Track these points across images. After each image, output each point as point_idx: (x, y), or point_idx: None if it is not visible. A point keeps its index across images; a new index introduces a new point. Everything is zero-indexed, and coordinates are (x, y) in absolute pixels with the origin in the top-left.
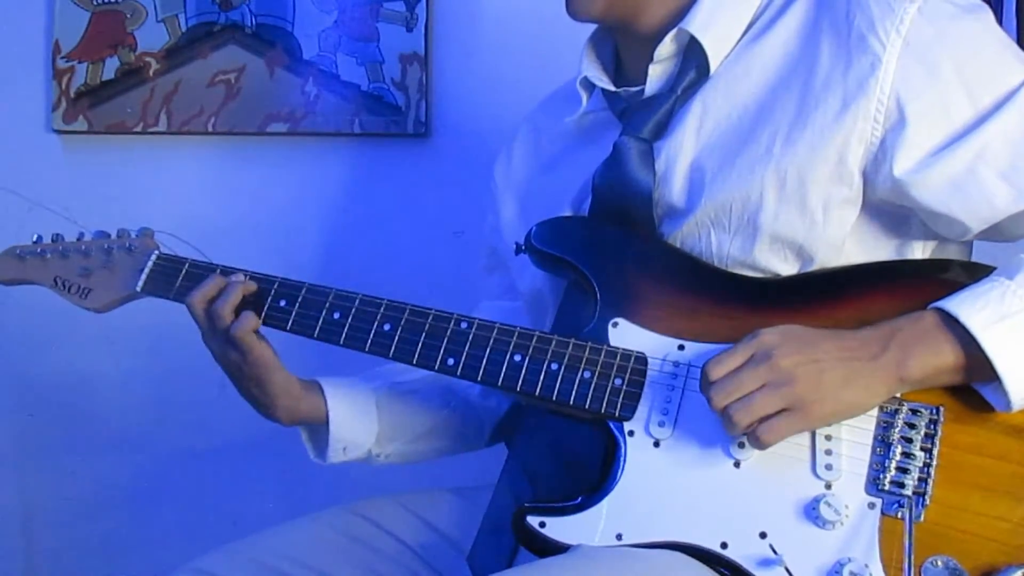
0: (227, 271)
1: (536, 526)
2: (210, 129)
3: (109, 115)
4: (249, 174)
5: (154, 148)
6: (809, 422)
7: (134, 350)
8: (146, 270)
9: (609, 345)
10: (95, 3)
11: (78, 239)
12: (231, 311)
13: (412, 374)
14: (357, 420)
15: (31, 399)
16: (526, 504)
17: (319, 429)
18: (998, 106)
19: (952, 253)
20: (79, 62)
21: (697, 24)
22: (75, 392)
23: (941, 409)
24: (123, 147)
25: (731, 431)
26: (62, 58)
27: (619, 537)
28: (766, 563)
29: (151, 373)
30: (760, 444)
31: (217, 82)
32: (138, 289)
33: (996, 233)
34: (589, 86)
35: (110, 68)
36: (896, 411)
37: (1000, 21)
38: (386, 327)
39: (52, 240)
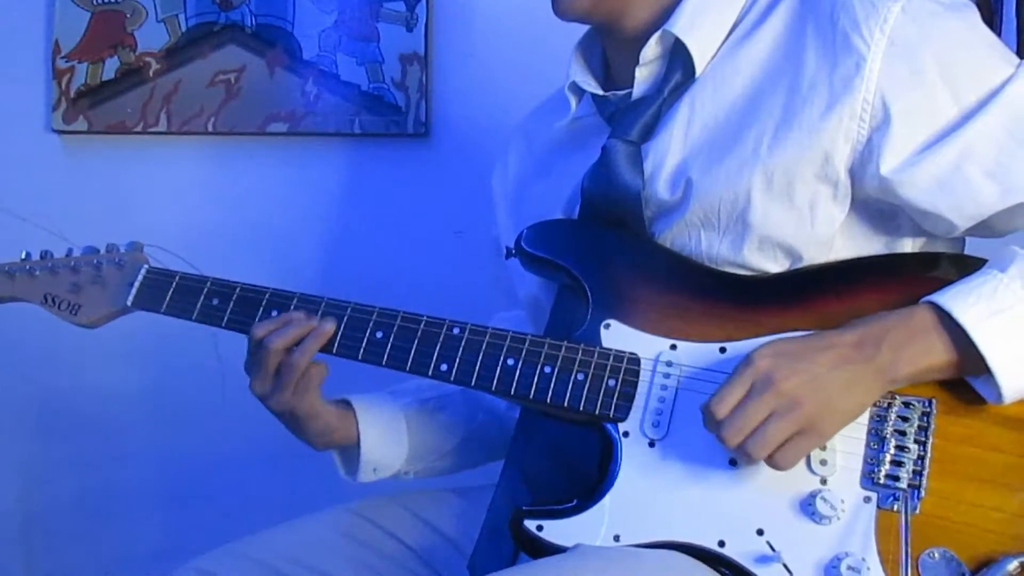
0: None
1: (533, 529)
2: (210, 129)
3: (109, 115)
4: (249, 174)
5: (154, 148)
6: (823, 438)
7: (134, 354)
8: (136, 284)
9: (601, 347)
10: (95, 3)
11: (67, 255)
12: (308, 362)
13: (438, 389)
14: (388, 442)
15: (32, 405)
16: (523, 507)
17: (350, 449)
18: (983, 104)
19: (942, 249)
20: (79, 62)
21: (681, 26)
22: (75, 396)
23: (933, 402)
24: (123, 147)
25: (747, 463)
26: (62, 58)
27: (617, 538)
28: (764, 560)
29: (151, 376)
30: (779, 469)
31: (217, 82)
32: (128, 304)
33: (984, 229)
34: (578, 91)
35: (110, 68)
36: (889, 405)
37: (1000, 21)
38: (378, 335)
39: (41, 257)
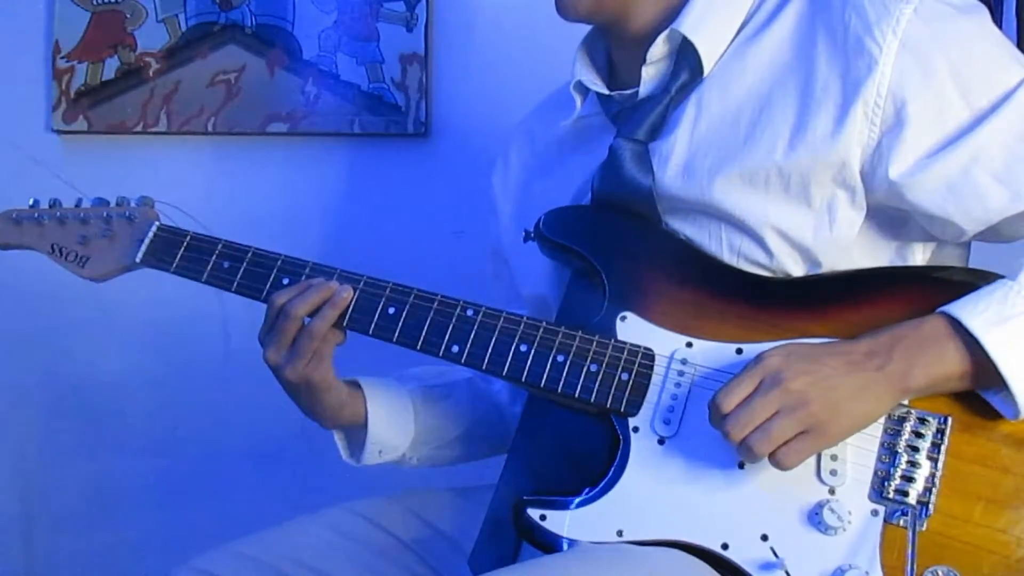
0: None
1: (536, 518)
2: (210, 129)
3: (109, 115)
4: (249, 174)
5: (154, 148)
6: (828, 441)
7: (135, 353)
8: (146, 241)
9: (617, 339)
10: (95, 3)
11: (76, 205)
12: (327, 329)
13: (443, 378)
14: (395, 423)
15: (31, 400)
16: (526, 497)
17: (356, 430)
18: (994, 108)
19: (951, 253)
20: (79, 62)
21: (689, 25)
22: (74, 394)
23: (949, 419)
24: (123, 147)
25: (750, 460)
26: (62, 58)
27: (620, 533)
28: (767, 566)
29: (151, 376)
30: (782, 468)
31: (217, 82)
32: (138, 260)
33: (993, 234)
34: (583, 90)
35: (110, 68)
36: (903, 419)
37: (1000, 21)
38: (391, 310)
39: (50, 205)
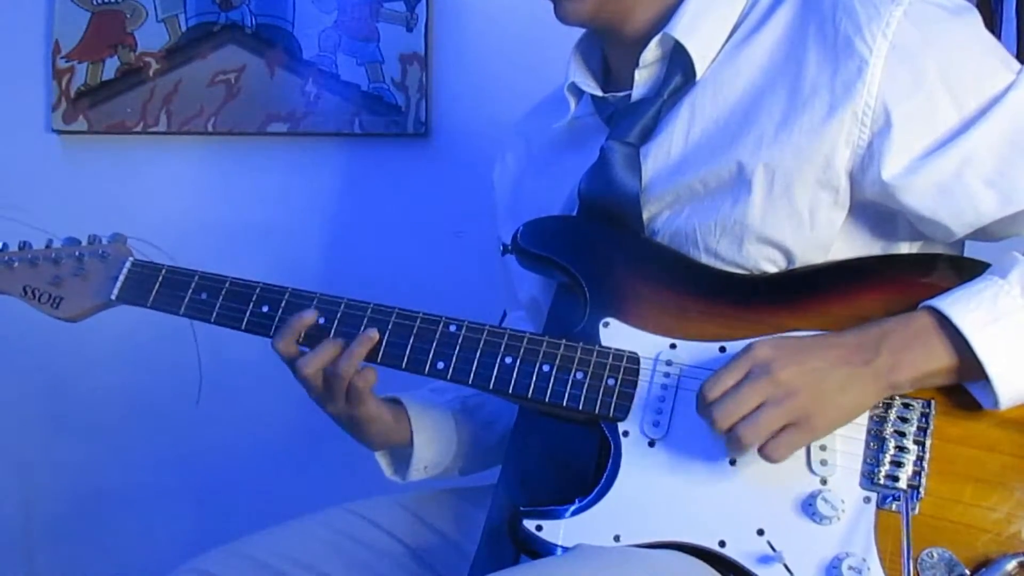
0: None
1: (532, 529)
2: (210, 129)
3: (109, 115)
4: (249, 174)
5: (154, 148)
6: (815, 433)
7: (136, 353)
8: (121, 277)
9: (600, 345)
10: (95, 3)
11: (47, 246)
12: (355, 370)
13: None
14: (439, 440)
15: (31, 402)
16: (521, 508)
17: (399, 449)
18: (984, 111)
19: (940, 251)
20: (79, 62)
21: (681, 29)
22: (76, 395)
23: (932, 403)
24: (123, 147)
25: (737, 452)
26: (62, 58)
27: (617, 538)
28: (765, 560)
29: (153, 376)
30: (771, 461)
31: (217, 82)
32: (113, 298)
33: (982, 235)
34: (577, 92)
35: (110, 68)
36: (888, 406)
37: (1000, 21)
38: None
39: (19, 248)
